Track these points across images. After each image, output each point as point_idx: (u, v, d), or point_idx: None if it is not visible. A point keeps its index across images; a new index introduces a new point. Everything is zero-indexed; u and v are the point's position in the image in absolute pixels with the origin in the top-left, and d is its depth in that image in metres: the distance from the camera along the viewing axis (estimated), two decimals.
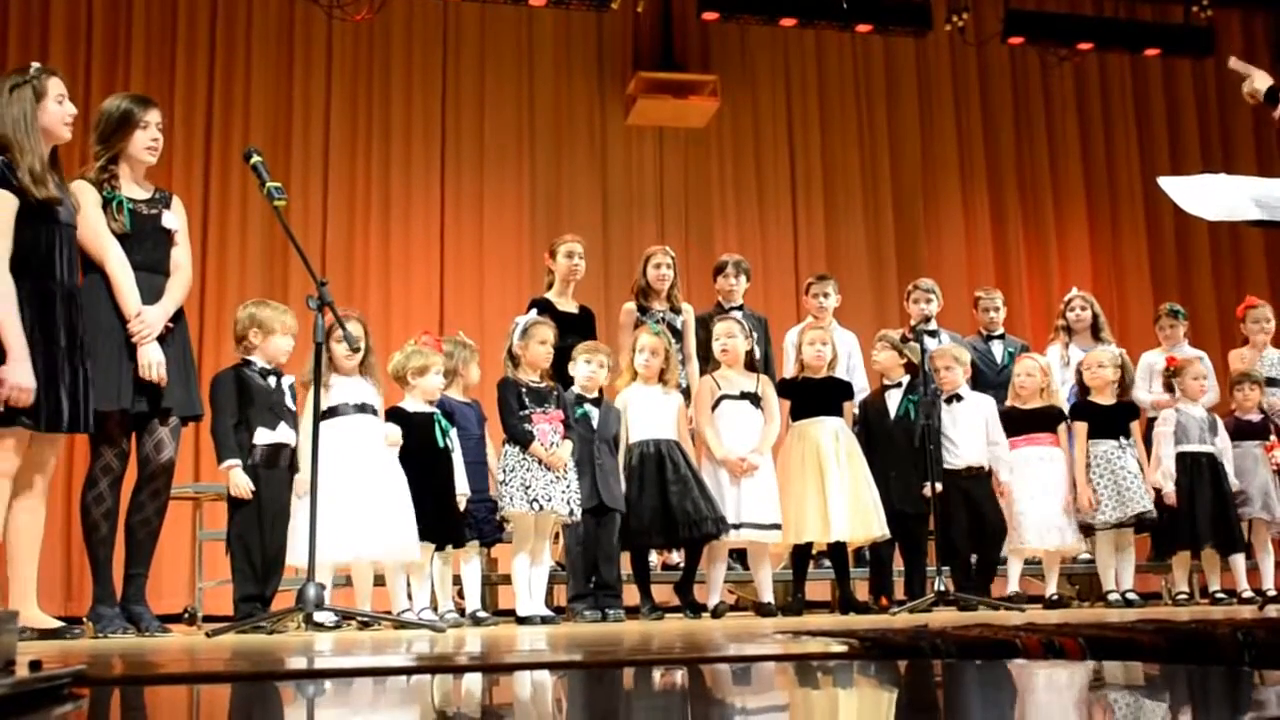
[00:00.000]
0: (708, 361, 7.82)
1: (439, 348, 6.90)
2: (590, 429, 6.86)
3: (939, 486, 7.31)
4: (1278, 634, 3.95)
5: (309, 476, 5.51)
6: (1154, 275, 12.30)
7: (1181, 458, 7.92)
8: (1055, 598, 7.58)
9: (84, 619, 5.47)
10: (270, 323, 6.13)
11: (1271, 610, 6.36)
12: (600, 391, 7.03)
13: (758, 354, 7.64)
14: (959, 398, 7.86)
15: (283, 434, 6.07)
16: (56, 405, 4.88)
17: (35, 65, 5.25)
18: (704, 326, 8.07)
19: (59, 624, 5.15)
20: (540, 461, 6.49)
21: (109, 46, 10.32)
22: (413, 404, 6.56)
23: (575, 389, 6.96)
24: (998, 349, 8.83)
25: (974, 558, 7.70)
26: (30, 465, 5.07)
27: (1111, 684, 2.39)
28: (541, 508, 6.45)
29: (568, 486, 6.55)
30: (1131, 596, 7.70)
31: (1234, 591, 7.90)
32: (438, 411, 6.58)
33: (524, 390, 6.67)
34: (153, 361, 5.33)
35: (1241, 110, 12.73)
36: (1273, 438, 8.36)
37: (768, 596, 7.21)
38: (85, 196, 5.35)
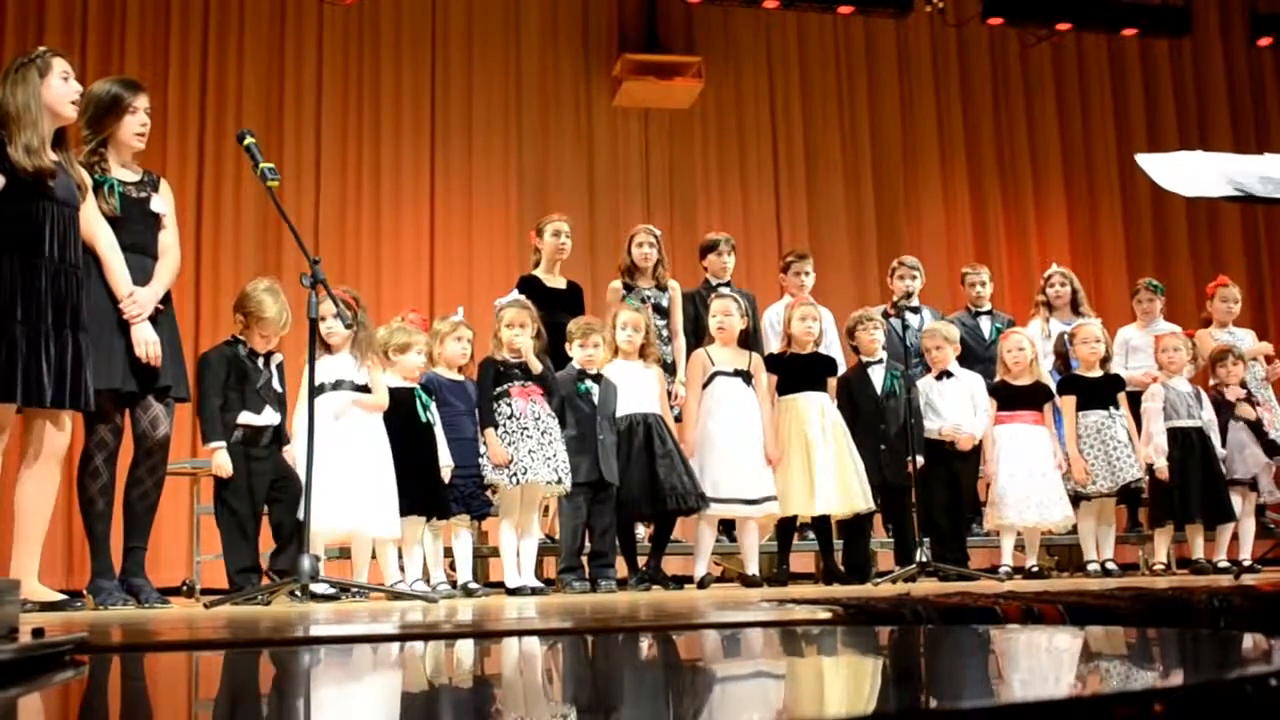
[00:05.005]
0: (696, 338, 7.90)
1: (425, 326, 6.98)
2: (592, 405, 6.94)
3: (920, 460, 7.39)
4: (1253, 599, 4.05)
5: (303, 455, 5.60)
6: (1130, 252, 12.37)
7: (1171, 433, 7.98)
8: (1035, 569, 7.66)
9: (84, 592, 5.54)
10: (253, 310, 6.19)
11: (1247, 579, 6.45)
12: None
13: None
14: (949, 374, 7.96)
15: (267, 417, 6.16)
16: (39, 379, 4.91)
17: (42, 48, 5.32)
18: (692, 304, 8.15)
19: (60, 596, 5.23)
20: (523, 433, 6.60)
21: (103, 30, 10.32)
22: (393, 380, 6.64)
23: (575, 365, 7.03)
24: (985, 324, 8.87)
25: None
26: (40, 439, 5.13)
27: (1091, 646, 2.45)
28: (519, 481, 6.55)
29: (553, 455, 6.64)
30: (1111, 567, 7.77)
31: (1211, 561, 7.98)
32: (418, 387, 6.66)
33: (502, 366, 6.77)
34: (147, 341, 5.40)
35: (1218, 89, 12.84)
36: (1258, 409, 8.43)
37: (753, 568, 7.31)
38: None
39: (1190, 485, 7.84)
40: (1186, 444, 7.94)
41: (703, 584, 7.08)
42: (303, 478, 5.61)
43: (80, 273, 5.18)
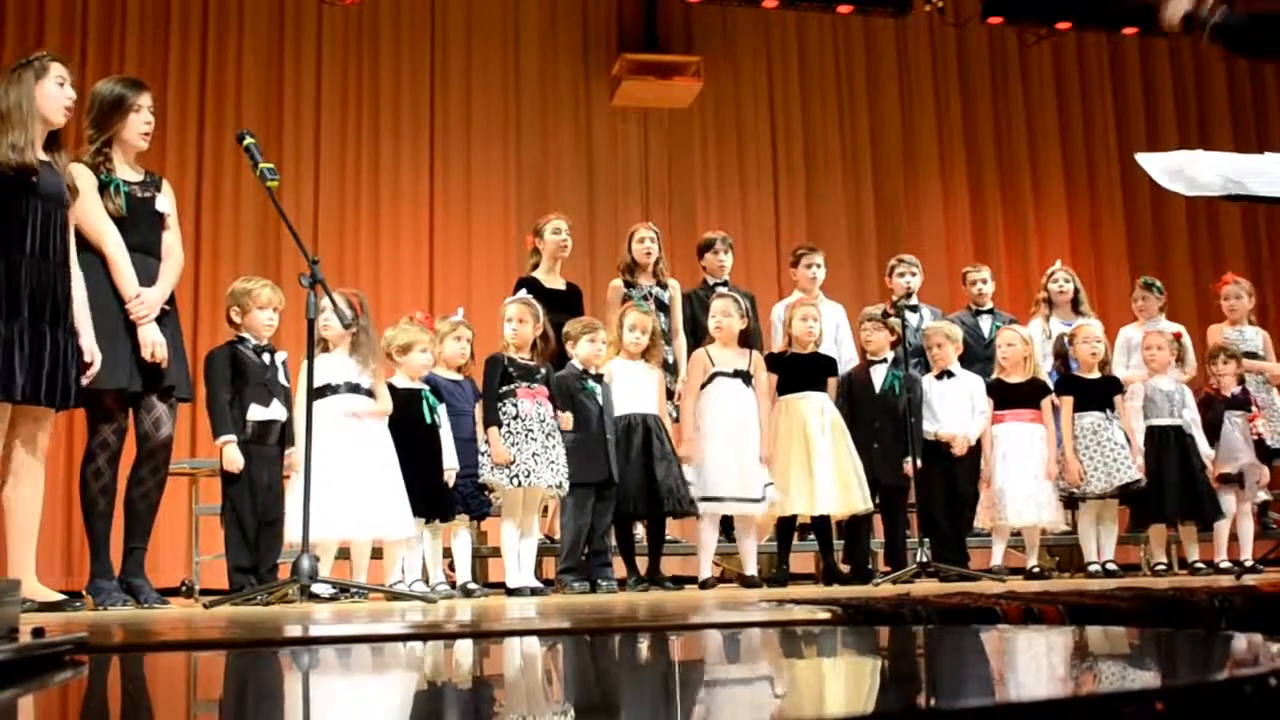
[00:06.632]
0: (694, 338, 7.89)
1: (429, 324, 6.98)
2: (598, 404, 6.95)
3: (919, 461, 7.40)
4: (1254, 600, 4.05)
5: (302, 453, 5.60)
6: (1131, 252, 12.36)
7: (1150, 431, 7.99)
8: (1035, 569, 7.65)
9: (83, 593, 5.54)
10: (245, 300, 6.20)
11: (1249, 580, 6.45)
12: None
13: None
14: (950, 374, 7.96)
15: (275, 411, 6.14)
16: (10, 374, 4.91)
17: (43, 52, 5.35)
18: (690, 304, 8.15)
19: (60, 597, 5.24)
20: (528, 435, 6.60)
21: (103, 30, 10.33)
22: (400, 380, 6.65)
23: (577, 365, 7.03)
24: (986, 323, 8.85)
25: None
26: (24, 439, 5.13)
27: (1091, 646, 2.45)
28: (520, 483, 6.55)
29: (556, 459, 6.64)
30: (1111, 567, 7.76)
31: (1212, 562, 7.98)
32: (425, 388, 6.66)
33: (510, 366, 6.76)
34: (154, 341, 5.41)
35: (1218, 88, 12.83)
36: (1254, 409, 8.44)
37: (752, 569, 7.30)
38: (82, 179, 5.40)
39: (1165, 484, 7.83)
40: (1163, 442, 7.93)
41: (705, 585, 7.08)
42: (301, 479, 5.60)
43: (63, 270, 5.18)
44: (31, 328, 4.98)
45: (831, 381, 7.65)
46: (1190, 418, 8.05)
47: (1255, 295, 9.34)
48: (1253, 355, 8.84)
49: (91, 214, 5.38)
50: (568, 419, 6.77)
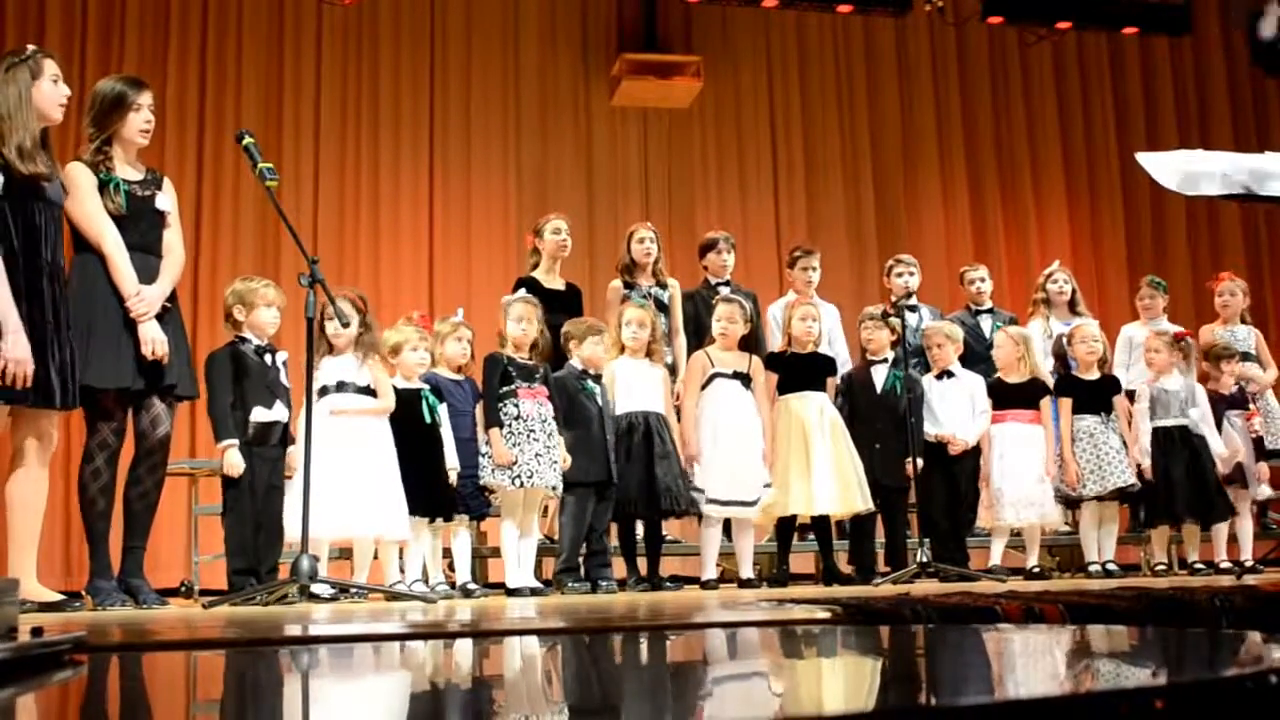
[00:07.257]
0: (696, 338, 7.88)
1: (426, 324, 6.98)
2: (598, 404, 6.94)
3: (920, 462, 7.40)
4: (1254, 600, 4.05)
5: (302, 453, 5.60)
6: (1130, 252, 12.35)
7: (1157, 432, 7.98)
8: (1036, 569, 7.65)
9: (83, 593, 5.54)
10: (250, 296, 6.20)
11: (1249, 580, 6.44)
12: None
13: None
14: (950, 374, 7.95)
15: (277, 412, 6.14)
16: (47, 381, 4.94)
17: (31, 47, 5.33)
18: (692, 303, 8.14)
19: (59, 597, 5.23)
20: (529, 435, 6.59)
21: (103, 28, 10.33)
22: (399, 381, 6.64)
23: (578, 365, 7.02)
24: (986, 323, 8.82)
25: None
26: (31, 439, 5.14)
27: (1092, 644, 2.45)
28: (522, 483, 6.54)
29: (556, 460, 6.63)
30: (1111, 567, 7.76)
31: (1212, 562, 7.97)
32: (425, 388, 6.66)
33: (509, 365, 6.75)
34: (154, 339, 5.40)
35: (1218, 88, 12.83)
36: (1251, 407, 8.43)
37: (748, 571, 7.28)
38: (81, 178, 5.40)
39: (1175, 484, 7.81)
40: (1169, 442, 7.91)
41: (708, 585, 7.07)
42: (301, 479, 5.60)
43: (63, 273, 5.21)
44: (56, 334, 5.00)
45: (831, 381, 7.65)
46: (1200, 415, 8.02)
47: (1250, 295, 9.33)
48: (1244, 355, 8.83)
49: (91, 213, 5.38)
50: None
